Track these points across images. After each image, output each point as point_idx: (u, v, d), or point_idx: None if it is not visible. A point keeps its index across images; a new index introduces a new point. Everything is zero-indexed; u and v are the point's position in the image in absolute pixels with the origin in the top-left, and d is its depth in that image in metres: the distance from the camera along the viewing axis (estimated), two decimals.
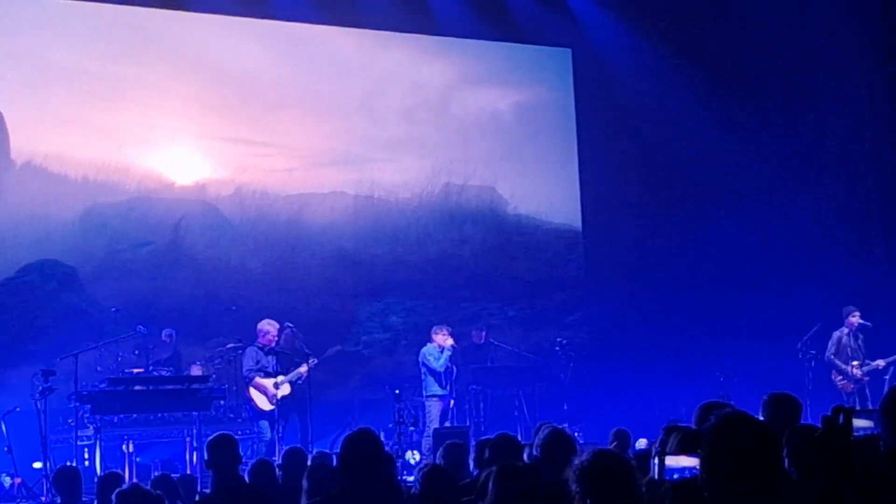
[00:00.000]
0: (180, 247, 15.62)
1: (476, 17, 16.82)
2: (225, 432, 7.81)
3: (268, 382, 12.96)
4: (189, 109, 15.76)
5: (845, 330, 14.79)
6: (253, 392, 12.92)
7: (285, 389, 13.01)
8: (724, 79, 17.43)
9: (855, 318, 14.71)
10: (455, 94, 17.62)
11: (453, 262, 17.19)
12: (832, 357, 14.71)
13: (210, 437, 7.55)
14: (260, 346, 13.16)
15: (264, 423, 12.90)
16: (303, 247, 16.31)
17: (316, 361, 13.29)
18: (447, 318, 16.31)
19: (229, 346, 13.53)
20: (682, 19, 17.40)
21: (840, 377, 14.67)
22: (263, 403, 12.91)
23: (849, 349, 14.65)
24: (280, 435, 12.92)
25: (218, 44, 16.05)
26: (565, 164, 18.05)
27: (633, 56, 17.25)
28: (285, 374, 13.08)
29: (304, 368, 13.17)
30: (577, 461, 4.53)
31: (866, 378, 14.59)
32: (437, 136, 17.40)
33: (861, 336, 14.78)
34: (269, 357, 13.17)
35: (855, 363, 14.58)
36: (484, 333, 15.49)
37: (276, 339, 13.28)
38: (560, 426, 7.66)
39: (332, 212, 16.54)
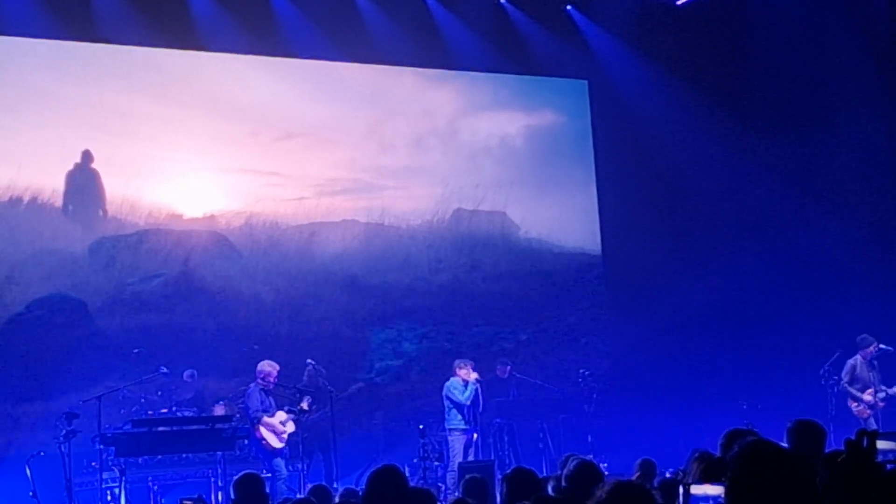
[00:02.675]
0: (191, 278, 15.47)
1: (493, 51, 16.83)
2: (251, 472, 7.96)
3: (275, 420, 12.87)
4: (198, 141, 15.64)
5: (859, 358, 14.70)
6: (264, 431, 12.77)
7: (290, 427, 12.92)
8: (742, 106, 17.51)
9: (872, 348, 14.62)
10: (464, 120, 17.57)
11: (465, 288, 17.14)
12: (846, 386, 14.69)
13: (236, 477, 7.71)
14: (261, 386, 13.01)
15: (279, 462, 12.78)
16: (314, 275, 16.20)
17: (310, 400, 13.17)
18: (460, 343, 16.40)
19: (252, 384, 13.41)
20: (697, 49, 17.48)
21: (856, 403, 14.64)
22: (275, 442, 12.81)
23: (865, 376, 14.63)
24: (305, 473, 12.82)
25: (226, 78, 15.94)
26: (581, 190, 18.01)
27: (651, 86, 17.29)
28: (287, 412, 12.98)
29: (304, 405, 13.07)
30: (597, 493, 4.34)
31: (882, 404, 14.60)
32: (447, 163, 17.36)
33: (876, 363, 14.74)
34: (269, 398, 13.05)
35: (870, 390, 14.58)
36: (509, 368, 15.39)
37: (276, 380, 13.09)
38: (586, 457, 7.66)
39: (343, 240, 16.44)
